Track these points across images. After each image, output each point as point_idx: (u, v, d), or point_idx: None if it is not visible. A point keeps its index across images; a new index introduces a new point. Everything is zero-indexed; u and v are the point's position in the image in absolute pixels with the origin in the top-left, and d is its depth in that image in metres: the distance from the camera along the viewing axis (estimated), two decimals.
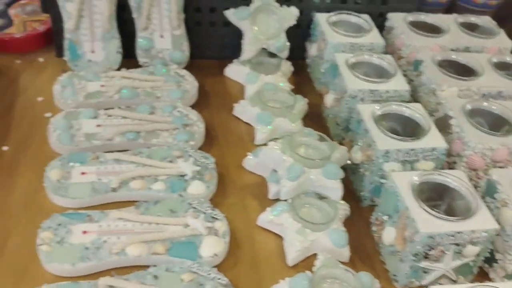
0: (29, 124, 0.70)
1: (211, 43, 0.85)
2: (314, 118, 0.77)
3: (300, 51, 0.87)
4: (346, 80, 0.70)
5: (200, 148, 0.69)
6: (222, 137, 0.73)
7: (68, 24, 0.74)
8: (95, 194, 0.60)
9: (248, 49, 0.79)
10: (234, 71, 0.83)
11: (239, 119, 0.76)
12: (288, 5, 0.79)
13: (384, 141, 0.61)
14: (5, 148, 0.66)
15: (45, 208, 0.59)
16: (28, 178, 0.62)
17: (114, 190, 0.61)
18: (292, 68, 0.84)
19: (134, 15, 0.77)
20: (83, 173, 0.62)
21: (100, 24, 0.75)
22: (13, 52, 0.81)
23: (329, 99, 0.75)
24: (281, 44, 0.79)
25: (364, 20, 0.82)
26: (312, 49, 0.84)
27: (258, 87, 0.78)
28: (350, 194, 0.65)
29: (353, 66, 0.72)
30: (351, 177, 0.67)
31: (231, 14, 0.79)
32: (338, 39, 0.77)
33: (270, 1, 0.78)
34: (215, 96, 0.80)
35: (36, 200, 0.60)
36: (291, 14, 0.79)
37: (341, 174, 0.61)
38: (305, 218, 0.58)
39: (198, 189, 0.62)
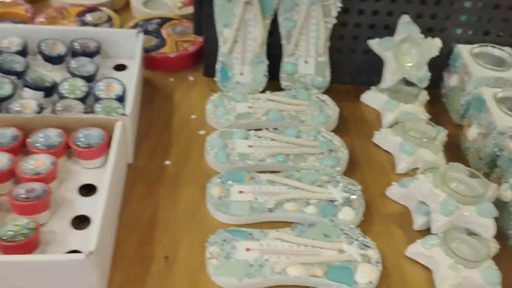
0: (186, 141, 0.76)
1: (349, 68, 0.87)
2: (452, 150, 0.77)
3: (435, 80, 0.88)
4: (494, 115, 0.70)
5: (344, 174, 0.72)
6: (364, 163, 0.75)
7: (223, 48, 0.79)
8: (253, 213, 0.64)
9: (389, 78, 0.81)
10: (371, 97, 0.85)
11: (378, 146, 0.78)
12: (432, 36, 0.80)
13: None
14: (167, 162, 0.72)
15: (209, 222, 0.64)
16: (191, 192, 0.68)
17: (270, 210, 0.65)
18: (427, 97, 0.85)
19: (283, 41, 0.81)
20: (240, 192, 0.66)
21: (251, 49, 0.80)
22: (166, 70, 0.87)
23: (472, 133, 0.75)
24: (423, 75, 0.80)
25: (507, 53, 0.82)
26: (450, 80, 0.85)
27: (396, 115, 0.80)
28: (497, 231, 0.65)
29: (501, 101, 0.72)
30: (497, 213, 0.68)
31: (375, 44, 0.81)
32: (483, 72, 0.78)
33: (415, 33, 0.80)
34: (353, 122, 0.82)
35: (200, 214, 0.65)
36: (435, 46, 0.80)
37: (495, 212, 0.62)
38: (456, 253, 0.59)
39: (348, 215, 0.65)
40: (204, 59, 0.86)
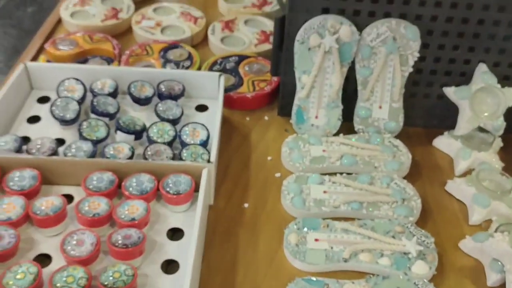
0: (263, 183, 0.79)
1: (422, 112, 0.89)
2: None
3: (509, 126, 0.88)
4: None
5: (416, 223, 0.74)
6: (436, 213, 0.76)
7: (301, 93, 0.83)
8: (328, 262, 0.67)
9: (464, 127, 0.82)
10: (444, 143, 0.86)
11: (451, 195, 0.79)
12: (510, 85, 0.81)
13: None
14: (246, 205, 0.75)
15: (286, 269, 0.67)
16: (269, 236, 0.71)
17: (345, 260, 0.67)
18: (501, 144, 0.85)
19: (359, 87, 0.83)
20: (316, 240, 0.69)
21: (327, 94, 0.83)
22: (243, 109, 0.91)
23: None
24: (499, 124, 0.81)
25: None
26: None
27: (470, 163, 0.81)
28: None
29: None
30: None
31: (451, 92, 0.82)
32: None
33: (492, 82, 0.80)
34: (425, 167, 0.84)
35: (277, 259, 0.69)
36: None
37: None
38: None
39: (421, 269, 0.67)
40: (280, 100, 0.89)
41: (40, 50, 1.00)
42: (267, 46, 1.02)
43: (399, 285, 0.64)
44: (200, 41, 1.06)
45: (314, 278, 0.65)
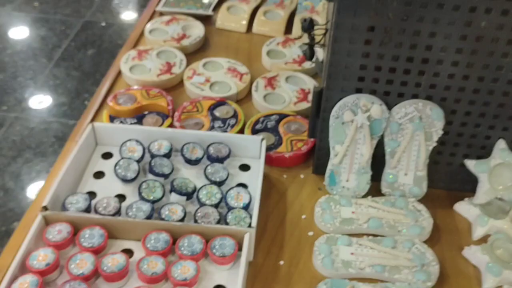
0: (297, 241, 0.89)
1: (444, 177, 0.97)
2: None
3: None
4: None
5: (433, 286, 0.82)
6: (452, 277, 0.85)
7: (334, 160, 0.92)
8: None
9: (482, 197, 0.90)
10: (464, 208, 0.94)
11: (467, 260, 0.88)
12: None
13: None
14: (281, 262, 0.86)
15: None
16: None
17: None
18: None
19: (387, 157, 0.92)
20: None
21: (358, 161, 0.92)
22: (281, 166, 1.01)
23: None
24: None
25: None
26: None
27: (486, 230, 0.89)
28: None
29: None
30: None
31: (472, 165, 0.90)
32: None
33: (510, 159, 0.88)
34: (445, 231, 0.92)
35: None
36: None
37: None
38: None
39: None
40: (315, 161, 0.99)
41: (103, 103, 1.12)
42: (306, 105, 1.12)
43: None
44: (245, 96, 1.17)
45: None
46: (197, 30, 1.33)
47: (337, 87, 0.88)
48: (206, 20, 1.39)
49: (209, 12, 1.40)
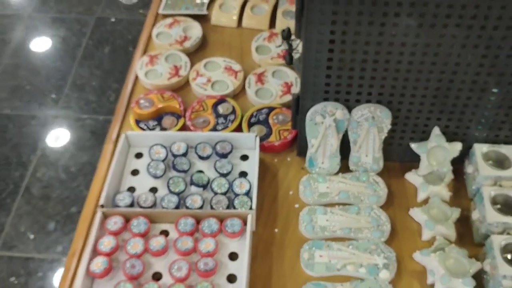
0: (287, 212, 1.20)
1: (397, 153, 1.27)
2: (464, 221, 1.17)
3: (461, 159, 1.25)
4: (487, 211, 1.09)
5: (386, 241, 1.15)
6: (400, 232, 1.17)
7: (311, 150, 1.22)
8: (328, 272, 1.09)
9: (423, 170, 1.20)
10: (411, 177, 1.25)
11: (412, 218, 1.19)
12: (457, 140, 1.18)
13: None
14: (276, 230, 1.18)
15: (301, 275, 1.10)
16: (291, 253, 1.13)
17: (338, 270, 1.09)
18: (452, 177, 1.23)
19: (351, 144, 1.22)
20: (320, 256, 1.11)
21: (329, 150, 1.22)
22: (272, 152, 1.31)
23: (474, 215, 1.14)
24: (446, 170, 1.19)
25: None
26: (468, 167, 1.22)
27: (427, 194, 1.20)
28: None
29: (494, 199, 1.11)
30: None
31: (415, 147, 1.20)
32: (487, 171, 1.15)
33: (441, 141, 1.18)
34: (397, 196, 1.23)
35: (296, 269, 1.11)
36: (456, 149, 1.18)
37: (474, 283, 1.03)
38: None
39: (385, 275, 1.08)
40: (298, 146, 1.29)
41: (127, 108, 1.40)
42: (289, 97, 1.40)
43: (370, 286, 1.07)
44: (239, 92, 1.45)
45: (318, 282, 1.08)
46: (196, 30, 1.58)
47: (309, 97, 1.16)
48: (201, 18, 1.63)
49: (204, 11, 1.64)
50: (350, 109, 1.17)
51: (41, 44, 2.25)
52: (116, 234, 1.10)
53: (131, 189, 1.20)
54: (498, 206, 1.12)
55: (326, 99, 1.16)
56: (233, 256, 1.11)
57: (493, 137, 1.21)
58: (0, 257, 1.40)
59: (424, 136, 1.21)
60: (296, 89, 1.41)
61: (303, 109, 1.18)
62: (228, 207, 1.15)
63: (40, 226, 1.49)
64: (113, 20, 2.22)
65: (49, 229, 1.50)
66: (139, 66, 1.48)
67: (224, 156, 1.24)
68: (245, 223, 1.11)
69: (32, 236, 1.46)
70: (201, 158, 1.24)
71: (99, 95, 1.89)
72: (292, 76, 1.45)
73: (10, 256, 1.40)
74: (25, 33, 2.23)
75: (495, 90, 1.10)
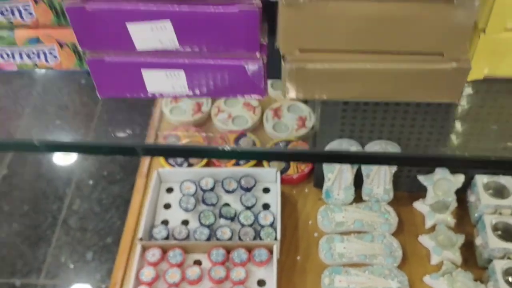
0: (307, 241, 1.32)
1: (406, 184, 1.39)
2: (468, 246, 1.29)
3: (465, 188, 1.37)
4: (489, 238, 1.21)
5: (398, 266, 1.26)
6: (411, 257, 1.29)
7: (328, 183, 1.34)
8: None
9: (429, 200, 1.32)
10: (419, 206, 1.37)
11: (421, 244, 1.31)
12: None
13: None
14: (298, 257, 1.29)
15: None
16: (312, 278, 1.25)
17: None
18: (456, 205, 1.35)
19: (364, 178, 1.34)
20: (340, 281, 1.23)
21: (344, 183, 1.34)
22: (290, 184, 1.43)
23: (478, 241, 1.27)
24: (451, 199, 1.31)
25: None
26: (471, 196, 1.34)
27: (434, 221, 1.33)
28: None
29: (495, 226, 1.23)
30: None
31: (422, 179, 1.32)
32: (488, 200, 1.27)
33: (445, 173, 1.30)
34: (406, 223, 1.35)
35: None
36: (459, 181, 1.30)
37: None
38: None
39: None
40: (315, 179, 1.41)
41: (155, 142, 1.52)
42: (304, 130, 1.52)
43: None
44: (258, 126, 1.57)
45: None
46: None
47: (325, 135, 1.28)
48: None
49: None
50: (363, 146, 1.29)
51: (60, 77, 2.35)
52: (155, 265, 1.22)
53: (165, 222, 1.32)
54: (499, 232, 1.24)
55: (341, 136, 1.28)
56: (260, 283, 1.22)
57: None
58: (44, 285, 1.52)
59: (430, 169, 1.33)
60: (310, 123, 1.53)
61: (320, 146, 1.30)
62: (254, 238, 1.26)
63: (80, 256, 1.61)
64: None
65: (87, 259, 1.61)
66: (164, 103, 1.60)
67: (248, 190, 1.35)
68: (271, 252, 1.23)
69: (72, 266, 1.57)
70: (227, 192, 1.36)
71: (124, 129, 2.01)
72: (306, 111, 1.57)
73: (53, 285, 1.51)
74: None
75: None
